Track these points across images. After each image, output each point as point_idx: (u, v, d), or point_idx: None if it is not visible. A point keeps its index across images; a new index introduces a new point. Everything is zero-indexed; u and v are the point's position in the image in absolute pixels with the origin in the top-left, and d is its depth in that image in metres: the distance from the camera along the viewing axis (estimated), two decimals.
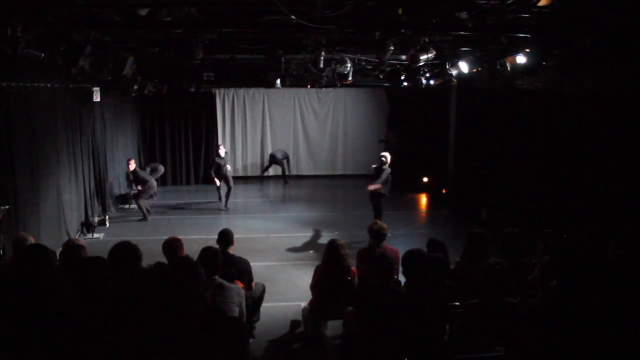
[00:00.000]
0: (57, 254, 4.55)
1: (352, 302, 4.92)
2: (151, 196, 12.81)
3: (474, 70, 7.58)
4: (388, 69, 10.42)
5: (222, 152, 12.50)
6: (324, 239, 8.81)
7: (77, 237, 9.02)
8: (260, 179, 15.80)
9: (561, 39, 5.73)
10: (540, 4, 4.69)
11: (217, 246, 5.21)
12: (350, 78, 9.14)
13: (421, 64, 6.65)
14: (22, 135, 7.21)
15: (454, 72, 7.95)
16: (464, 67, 7.53)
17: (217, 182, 12.48)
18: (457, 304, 4.44)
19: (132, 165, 11.54)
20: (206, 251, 4.57)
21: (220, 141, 15.26)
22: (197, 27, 5.74)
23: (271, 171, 15.79)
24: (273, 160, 15.51)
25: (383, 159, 9.67)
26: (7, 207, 6.43)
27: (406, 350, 3.90)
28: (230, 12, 5.56)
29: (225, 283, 4.43)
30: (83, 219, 9.91)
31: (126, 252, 4.06)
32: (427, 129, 14.13)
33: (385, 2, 5.00)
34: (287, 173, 15.68)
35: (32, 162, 7.61)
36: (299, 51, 7.31)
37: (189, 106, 15.29)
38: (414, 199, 13.45)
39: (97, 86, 10.17)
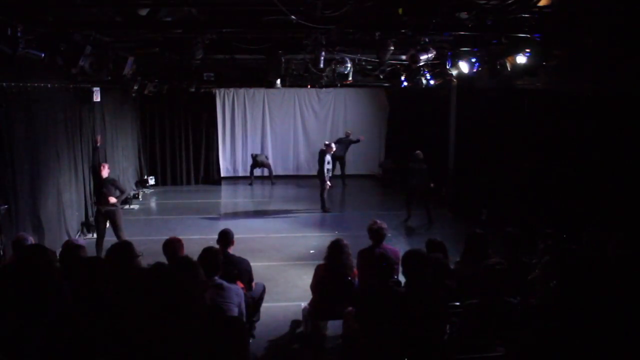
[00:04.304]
0: (57, 254, 4.56)
1: (352, 302, 4.92)
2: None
3: (474, 70, 7.58)
4: (388, 69, 10.42)
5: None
6: (324, 239, 8.79)
7: (77, 237, 9.03)
8: (260, 178, 15.80)
9: (561, 39, 5.73)
10: (540, 4, 4.69)
11: (217, 246, 5.21)
12: (350, 78, 9.14)
13: (421, 64, 6.65)
14: (22, 135, 7.21)
15: (454, 72, 7.95)
16: (464, 67, 7.53)
17: None
18: (457, 304, 4.45)
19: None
20: (207, 251, 4.58)
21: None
22: (197, 27, 5.74)
23: (257, 171, 15.73)
24: (257, 160, 15.37)
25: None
26: (6, 206, 6.44)
27: (406, 351, 3.90)
28: (230, 12, 5.57)
29: (225, 283, 4.44)
30: (83, 219, 9.91)
31: (119, 250, 4.09)
32: (427, 129, 14.13)
33: (385, 2, 5.00)
34: (272, 173, 15.66)
35: (32, 162, 7.61)
36: (299, 51, 7.30)
37: (189, 106, 15.27)
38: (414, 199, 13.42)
39: (97, 86, 10.17)
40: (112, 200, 8.23)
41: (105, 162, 9.09)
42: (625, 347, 3.19)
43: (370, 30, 5.91)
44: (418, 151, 10.86)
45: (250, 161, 15.67)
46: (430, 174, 10.66)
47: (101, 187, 8.36)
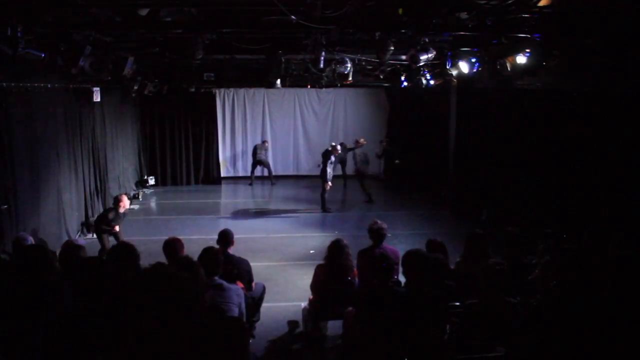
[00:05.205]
0: (57, 254, 4.57)
1: (352, 302, 4.92)
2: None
3: (474, 70, 7.58)
4: (388, 69, 10.41)
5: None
6: (323, 239, 8.80)
7: (77, 237, 9.03)
8: (260, 179, 15.80)
9: (561, 39, 5.72)
10: (540, 4, 4.70)
11: (217, 246, 5.21)
12: (350, 78, 9.13)
13: (421, 64, 6.64)
14: (22, 135, 7.22)
15: (454, 72, 7.95)
16: (464, 67, 7.52)
17: None
18: (457, 304, 4.45)
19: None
20: (207, 251, 4.58)
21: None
22: (197, 27, 5.73)
23: (258, 171, 15.73)
24: (257, 159, 15.34)
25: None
26: (6, 206, 6.45)
27: (406, 351, 3.90)
28: (230, 12, 5.56)
29: (225, 284, 4.44)
30: (83, 219, 9.92)
31: (123, 252, 4.09)
32: (427, 129, 14.13)
33: (385, 2, 5.00)
34: (272, 173, 15.66)
35: (32, 162, 7.61)
36: (299, 51, 7.30)
37: (189, 106, 15.27)
38: (413, 199, 13.45)
39: (97, 86, 10.17)
40: (117, 228, 7.92)
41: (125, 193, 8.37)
42: (626, 347, 3.20)
43: (370, 30, 5.90)
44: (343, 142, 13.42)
45: (250, 160, 15.67)
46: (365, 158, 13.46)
47: (112, 220, 7.80)
